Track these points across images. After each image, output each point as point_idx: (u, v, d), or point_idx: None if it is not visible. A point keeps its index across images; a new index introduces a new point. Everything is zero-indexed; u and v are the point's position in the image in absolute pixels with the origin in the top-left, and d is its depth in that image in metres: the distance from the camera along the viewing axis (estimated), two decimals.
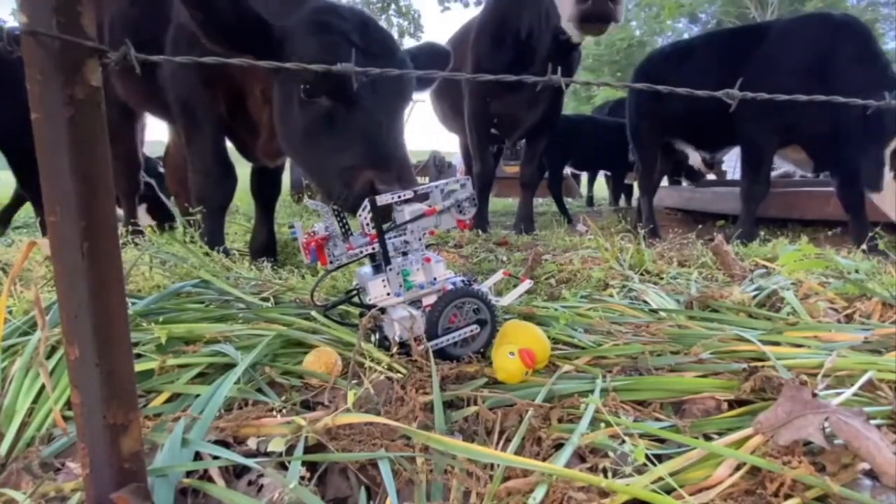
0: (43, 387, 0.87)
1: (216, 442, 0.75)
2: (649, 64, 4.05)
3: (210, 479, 0.70)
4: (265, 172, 2.43)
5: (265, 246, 2.39)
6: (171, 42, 1.97)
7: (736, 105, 0.79)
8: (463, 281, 1.11)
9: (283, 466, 0.71)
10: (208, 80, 1.98)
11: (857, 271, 1.77)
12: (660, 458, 0.70)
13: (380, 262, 1.06)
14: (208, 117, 2.05)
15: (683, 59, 3.71)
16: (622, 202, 7.06)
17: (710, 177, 6.33)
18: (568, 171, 6.94)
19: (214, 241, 2.10)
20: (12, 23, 7.03)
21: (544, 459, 0.72)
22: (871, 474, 0.65)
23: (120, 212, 3.01)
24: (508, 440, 0.77)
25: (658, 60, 4.00)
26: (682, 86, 0.83)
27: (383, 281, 1.05)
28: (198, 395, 0.86)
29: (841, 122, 2.85)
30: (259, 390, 0.91)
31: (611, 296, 1.58)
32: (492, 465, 0.68)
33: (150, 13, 2.06)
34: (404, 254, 1.09)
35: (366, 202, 1.04)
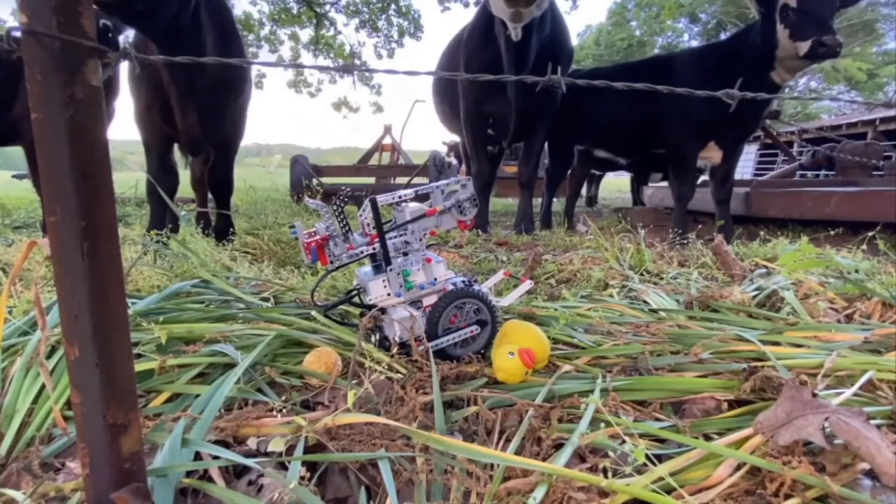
0: (43, 387, 0.87)
1: (216, 442, 0.75)
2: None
3: (210, 479, 0.70)
4: (214, 172, 2.92)
5: (223, 229, 2.95)
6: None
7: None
8: (463, 281, 1.11)
9: (283, 466, 0.72)
10: (151, 103, 2.51)
11: (857, 271, 1.77)
12: (660, 458, 0.70)
13: (380, 263, 1.06)
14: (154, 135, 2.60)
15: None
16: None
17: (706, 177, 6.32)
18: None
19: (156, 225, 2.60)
20: (12, 23, 7.04)
21: (544, 459, 0.72)
22: (871, 474, 0.65)
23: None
24: (508, 440, 0.77)
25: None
26: None
27: (384, 281, 1.05)
28: (198, 395, 0.86)
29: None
30: (259, 390, 0.91)
31: (611, 296, 1.58)
32: (492, 465, 0.68)
33: None
34: (405, 254, 1.09)
35: (366, 202, 1.05)
